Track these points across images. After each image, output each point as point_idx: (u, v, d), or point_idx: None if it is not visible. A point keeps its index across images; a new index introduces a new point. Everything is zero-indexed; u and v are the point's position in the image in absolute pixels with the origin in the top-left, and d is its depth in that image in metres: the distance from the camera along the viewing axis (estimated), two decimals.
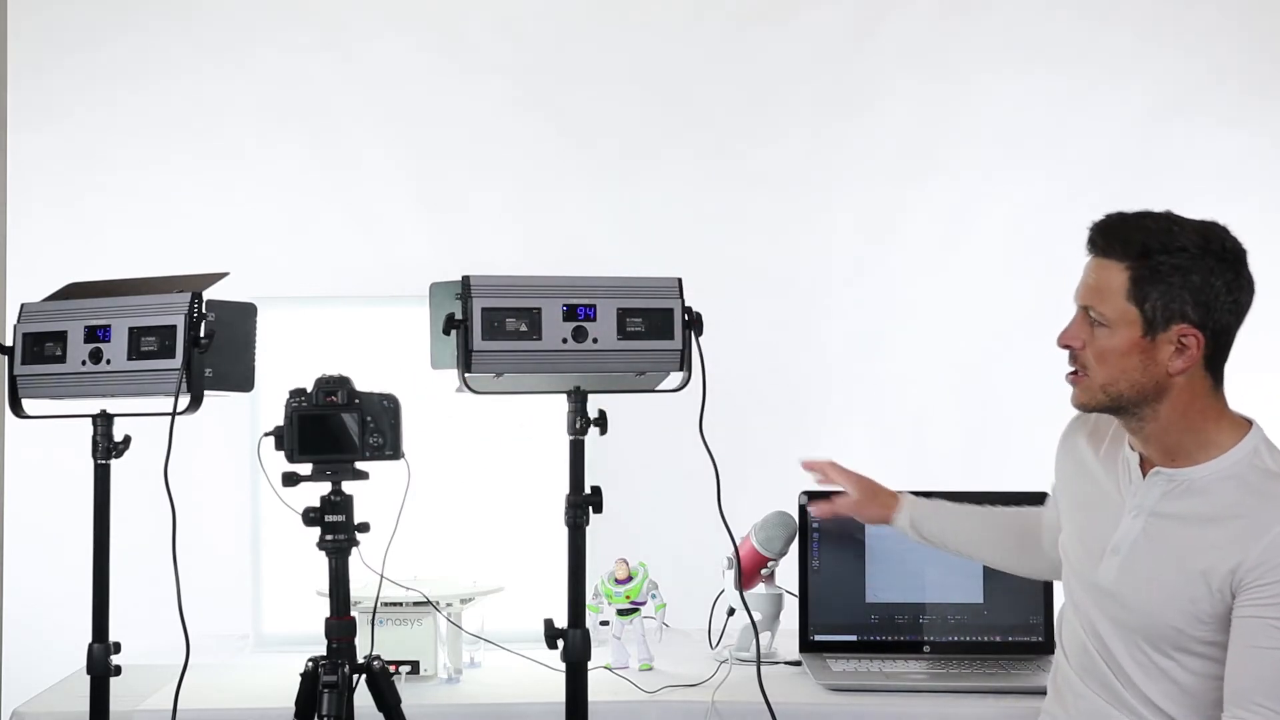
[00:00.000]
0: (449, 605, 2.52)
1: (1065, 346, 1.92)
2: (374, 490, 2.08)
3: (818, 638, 2.59)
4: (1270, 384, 2.81)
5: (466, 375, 1.98)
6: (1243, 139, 3.69)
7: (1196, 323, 1.82)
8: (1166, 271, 1.81)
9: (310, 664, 2.06)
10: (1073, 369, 1.93)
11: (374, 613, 2.32)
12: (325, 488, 2.05)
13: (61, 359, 2.07)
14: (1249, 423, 1.90)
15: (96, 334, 2.05)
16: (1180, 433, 1.88)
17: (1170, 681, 1.88)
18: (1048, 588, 2.58)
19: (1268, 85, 3.71)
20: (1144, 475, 1.92)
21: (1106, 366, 1.87)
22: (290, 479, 2.03)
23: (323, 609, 2.07)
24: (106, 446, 2.10)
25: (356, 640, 2.08)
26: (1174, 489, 1.89)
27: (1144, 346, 1.84)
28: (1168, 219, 1.85)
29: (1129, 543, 1.91)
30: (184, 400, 2.00)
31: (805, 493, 2.61)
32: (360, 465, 2.05)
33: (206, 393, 2.01)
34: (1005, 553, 2.28)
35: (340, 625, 2.07)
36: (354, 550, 2.08)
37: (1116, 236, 1.86)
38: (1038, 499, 2.27)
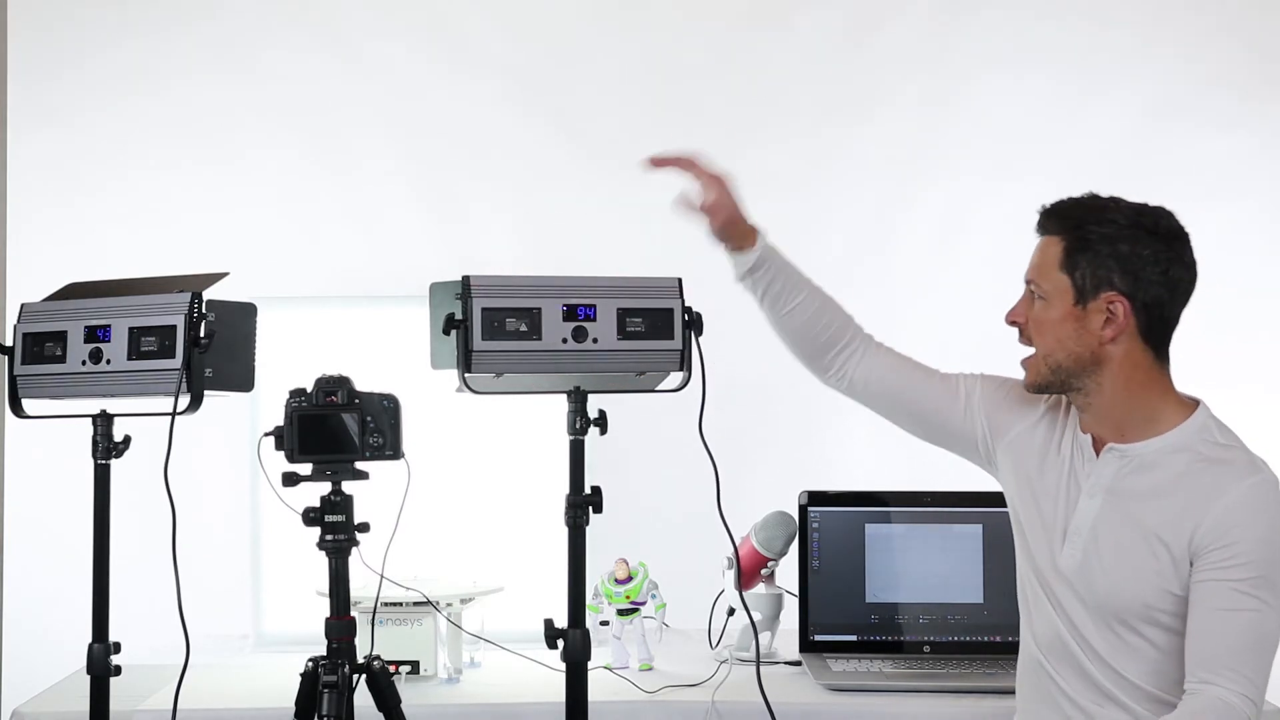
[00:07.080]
0: (449, 605, 2.52)
1: (1011, 323, 1.99)
2: (374, 490, 2.08)
3: (818, 638, 2.59)
4: (1272, 384, 2.81)
5: (466, 375, 1.98)
6: (1241, 141, 3.68)
7: (1124, 291, 1.87)
8: (1095, 240, 1.88)
9: (310, 664, 2.06)
10: (1026, 354, 1.98)
11: (374, 613, 2.32)
12: (325, 488, 2.05)
13: (61, 359, 2.07)
14: (1197, 403, 1.94)
15: (96, 334, 2.05)
16: (1125, 406, 1.92)
17: (1143, 659, 1.89)
18: None
19: (1266, 88, 3.70)
20: (1097, 455, 1.94)
21: (1044, 337, 1.93)
22: (290, 479, 2.03)
23: (323, 609, 2.07)
24: (106, 446, 2.10)
25: (356, 640, 2.08)
26: (1128, 465, 1.91)
27: (1077, 315, 1.90)
28: (1110, 199, 1.92)
29: (1089, 524, 1.92)
30: (184, 400, 2.00)
31: (805, 492, 2.61)
32: (360, 465, 2.05)
33: (206, 393, 2.01)
34: (806, 348, 2.21)
35: (340, 625, 2.07)
36: (354, 550, 2.08)
37: (1056, 214, 1.94)
38: None
